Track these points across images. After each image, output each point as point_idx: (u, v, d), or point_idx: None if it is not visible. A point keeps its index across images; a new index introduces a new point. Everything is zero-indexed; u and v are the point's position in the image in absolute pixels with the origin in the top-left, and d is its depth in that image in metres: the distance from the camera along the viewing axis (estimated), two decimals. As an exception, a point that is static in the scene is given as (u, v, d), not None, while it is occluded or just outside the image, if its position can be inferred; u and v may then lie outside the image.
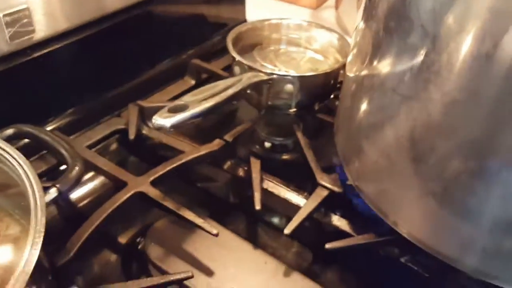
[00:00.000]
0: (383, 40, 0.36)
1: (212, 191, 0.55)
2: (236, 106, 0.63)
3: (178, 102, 0.41)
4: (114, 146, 0.56)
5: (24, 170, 0.32)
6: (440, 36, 0.31)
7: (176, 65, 0.67)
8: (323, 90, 0.56)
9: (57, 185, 0.36)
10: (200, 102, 0.41)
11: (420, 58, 0.33)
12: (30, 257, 0.29)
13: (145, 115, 0.56)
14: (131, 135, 0.51)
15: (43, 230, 0.31)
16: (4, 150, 0.34)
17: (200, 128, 0.58)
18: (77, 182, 0.37)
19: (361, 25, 0.41)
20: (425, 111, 0.34)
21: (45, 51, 0.50)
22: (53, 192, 0.35)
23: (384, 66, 0.37)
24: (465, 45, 0.30)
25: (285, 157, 0.59)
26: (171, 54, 0.67)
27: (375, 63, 0.39)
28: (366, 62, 0.40)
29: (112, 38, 0.58)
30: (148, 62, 0.65)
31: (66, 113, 0.56)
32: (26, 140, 0.46)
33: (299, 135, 0.54)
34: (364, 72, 0.41)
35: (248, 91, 0.53)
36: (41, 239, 0.30)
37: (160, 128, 0.38)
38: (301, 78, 0.52)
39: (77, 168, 0.37)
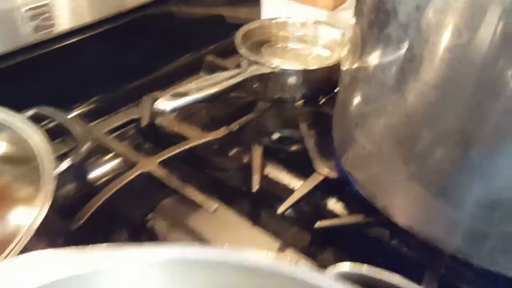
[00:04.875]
0: (368, 35, 0.38)
1: (220, 177, 0.58)
2: (246, 100, 0.66)
3: (181, 89, 0.44)
4: (130, 132, 0.60)
5: (40, 140, 0.37)
6: (418, 28, 0.33)
7: (193, 62, 0.71)
8: (326, 84, 0.58)
9: (69, 157, 0.40)
10: (201, 89, 0.45)
11: (400, 50, 0.35)
12: (39, 216, 0.33)
13: (158, 106, 0.61)
14: (143, 123, 0.56)
15: (52, 194, 0.35)
16: (26, 125, 0.39)
17: (210, 119, 0.62)
18: (87, 156, 0.41)
19: (353, 20, 0.44)
20: (408, 101, 0.36)
21: (66, 43, 0.55)
22: (66, 163, 0.39)
23: (371, 59, 0.39)
24: (443, 37, 0.32)
25: (289, 148, 0.61)
26: (188, 51, 0.72)
27: (364, 56, 0.40)
28: (357, 56, 0.42)
29: (132, 33, 0.63)
30: (166, 58, 0.69)
31: (89, 102, 0.61)
32: (50, 125, 0.51)
33: (302, 126, 0.56)
34: (355, 66, 0.43)
35: (256, 85, 0.56)
36: (50, 200, 0.34)
37: (161, 112, 0.42)
38: (303, 72, 0.55)
39: (86, 145, 0.41)
